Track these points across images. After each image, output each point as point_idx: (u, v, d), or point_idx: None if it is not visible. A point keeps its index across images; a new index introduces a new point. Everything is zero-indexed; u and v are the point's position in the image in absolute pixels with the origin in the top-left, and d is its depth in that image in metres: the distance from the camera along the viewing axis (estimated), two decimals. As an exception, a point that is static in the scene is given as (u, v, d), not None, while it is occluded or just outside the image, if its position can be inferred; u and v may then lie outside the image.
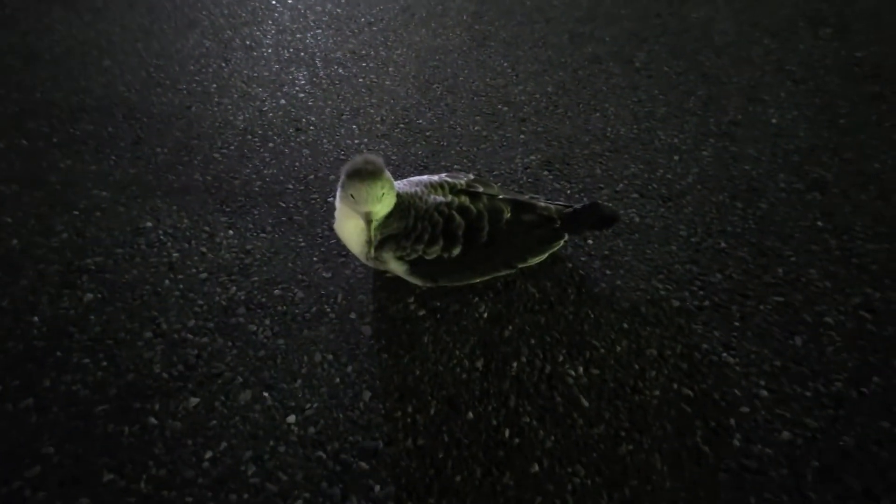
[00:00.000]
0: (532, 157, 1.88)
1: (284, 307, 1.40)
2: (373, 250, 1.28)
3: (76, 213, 1.68)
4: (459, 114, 2.10)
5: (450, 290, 1.43)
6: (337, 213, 1.32)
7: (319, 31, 2.70)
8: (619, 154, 1.90)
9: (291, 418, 1.18)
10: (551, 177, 1.80)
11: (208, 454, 1.12)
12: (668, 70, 2.37)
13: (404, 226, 1.28)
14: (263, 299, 1.42)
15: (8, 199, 1.73)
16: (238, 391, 1.22)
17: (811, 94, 2.20)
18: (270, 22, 2.79)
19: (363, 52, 2.53)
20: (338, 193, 1.25)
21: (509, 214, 1.33)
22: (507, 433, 1.16)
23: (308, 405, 1.20)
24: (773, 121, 2.06)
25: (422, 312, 1.39)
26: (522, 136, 1.98)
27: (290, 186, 1.77)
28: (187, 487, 1.07)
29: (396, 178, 1.31)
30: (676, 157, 1.89)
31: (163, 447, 1.13)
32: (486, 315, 1.39)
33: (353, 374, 1.26)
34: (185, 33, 2.68)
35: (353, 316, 1.38)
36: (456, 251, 1.29)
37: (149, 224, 1.63)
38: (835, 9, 2.83)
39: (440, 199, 1.31)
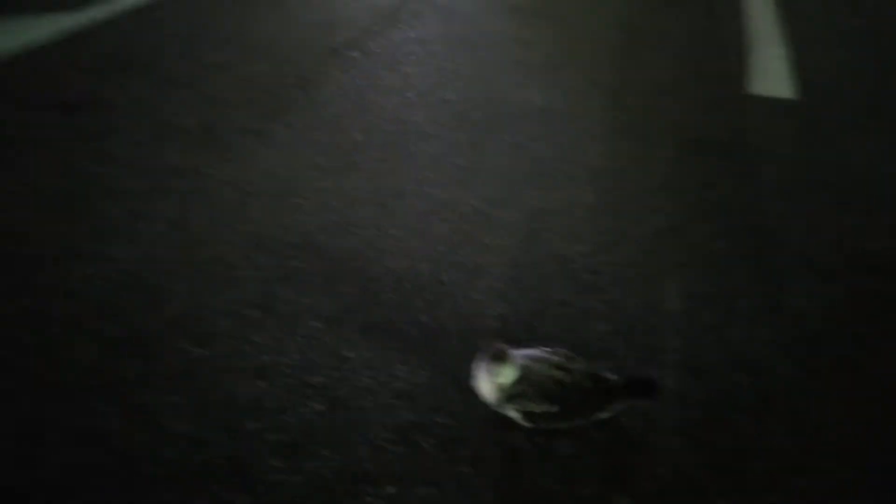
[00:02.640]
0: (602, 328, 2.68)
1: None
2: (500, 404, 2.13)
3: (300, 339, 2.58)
4: (554, 283, 2.91)
5: (546, 429, 2.24)
6: (479, 374, 2.15)
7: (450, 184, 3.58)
8: (668, 330, 2.67)
9: None
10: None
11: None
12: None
13: (521, 389, 2.10)
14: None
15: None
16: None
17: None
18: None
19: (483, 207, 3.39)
20: (479, 363, 2.10)
21: (589, 384, 2.15)
22: None
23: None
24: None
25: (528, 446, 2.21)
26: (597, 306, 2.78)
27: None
28: None
29: (516, 346, 2.11)
30: (714, 336, 2.64)
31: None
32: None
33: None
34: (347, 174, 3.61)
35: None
36: (554, 409, 2.11)
37: (351, 355, 2.51)
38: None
39: (545, 372, 2.14)
